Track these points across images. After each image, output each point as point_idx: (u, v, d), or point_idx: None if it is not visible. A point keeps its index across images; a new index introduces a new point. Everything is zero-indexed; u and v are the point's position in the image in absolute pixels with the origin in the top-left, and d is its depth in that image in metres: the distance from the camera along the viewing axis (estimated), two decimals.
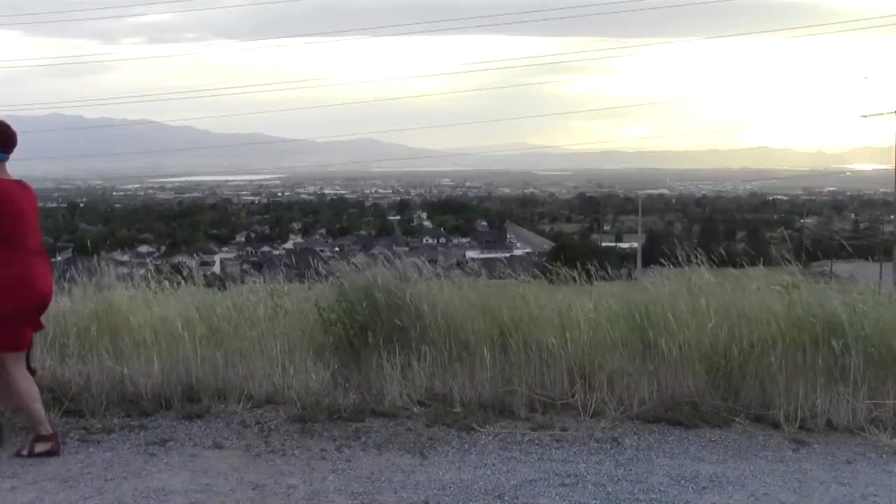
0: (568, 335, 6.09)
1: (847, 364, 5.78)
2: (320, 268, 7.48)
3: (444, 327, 6.26)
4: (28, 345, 5.20)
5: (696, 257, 6.83)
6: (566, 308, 6.46)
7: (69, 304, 6.95)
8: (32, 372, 5.31)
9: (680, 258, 6.90)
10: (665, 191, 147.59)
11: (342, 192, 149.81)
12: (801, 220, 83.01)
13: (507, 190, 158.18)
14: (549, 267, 7.07)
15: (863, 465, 5.07)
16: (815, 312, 6.09)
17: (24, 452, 5.06)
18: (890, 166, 41.97)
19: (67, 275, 7.71)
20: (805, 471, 4.94)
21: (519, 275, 6.97)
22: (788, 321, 6.13)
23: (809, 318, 6.07)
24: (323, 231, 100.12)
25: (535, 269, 7.34)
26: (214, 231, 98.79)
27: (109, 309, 6.84)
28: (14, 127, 5.19)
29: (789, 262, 6.92)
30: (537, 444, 5.31)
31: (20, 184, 5.21)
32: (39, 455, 5.03)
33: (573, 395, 5.86)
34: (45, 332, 6.40)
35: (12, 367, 5.06)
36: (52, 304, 6.88)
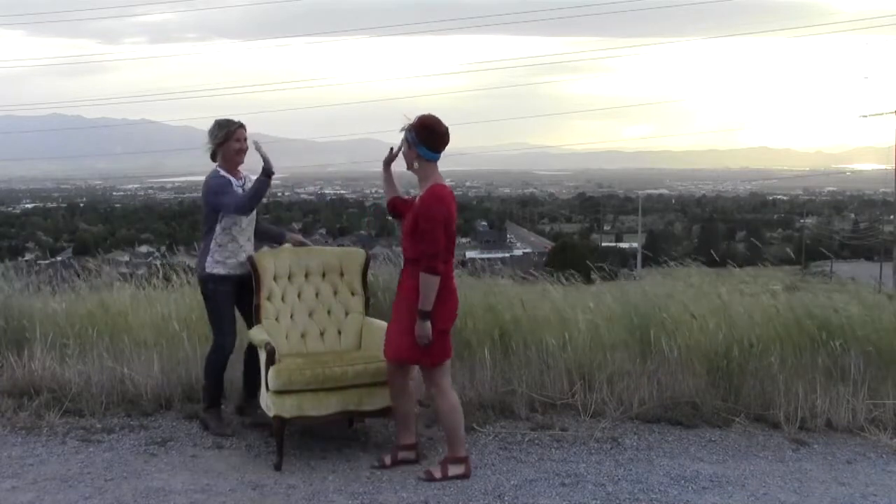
0: (568, 335, 6.09)
1: (847, 364, 5.79)
2: None
3: None
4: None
5: (697, 257, 6.84)
6: (566, 308, 6.46)
7: (69, 304, 6.95)
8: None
9: (680, 258, 6.91)
10: (665, 191, 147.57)
11: (342, 191, 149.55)
12: (801, 220, 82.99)
13: (507, 190, 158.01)
14: (550, 267, 7.06)
15: (863, 465, 5.07)
16: (815, 313, 6.10)
17: (437, 475, 4.66)
18: (890, 166, 41.95)
19: (67, 275, 7.72)
20: (805, 471, 4.94)
21: (520, 278, 6.97)
22: (788, 321, 6.13)
23: (809, 318, 6.07)
24: (323, 231, 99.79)
25: (535, 269, 7.33)
26: None
27: (109, 309, 6.84)
28: (443, 125, 4.67)
29: (789, 262, 6.93)
30: (537, 444, 5.31)
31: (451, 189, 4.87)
32: (451, 478, 4.66)
33: (573, 395, 5.86)
34: (44, 332, 6.43)
35: (440, 379, 4.79)
36: (51, 304, 6.94)
